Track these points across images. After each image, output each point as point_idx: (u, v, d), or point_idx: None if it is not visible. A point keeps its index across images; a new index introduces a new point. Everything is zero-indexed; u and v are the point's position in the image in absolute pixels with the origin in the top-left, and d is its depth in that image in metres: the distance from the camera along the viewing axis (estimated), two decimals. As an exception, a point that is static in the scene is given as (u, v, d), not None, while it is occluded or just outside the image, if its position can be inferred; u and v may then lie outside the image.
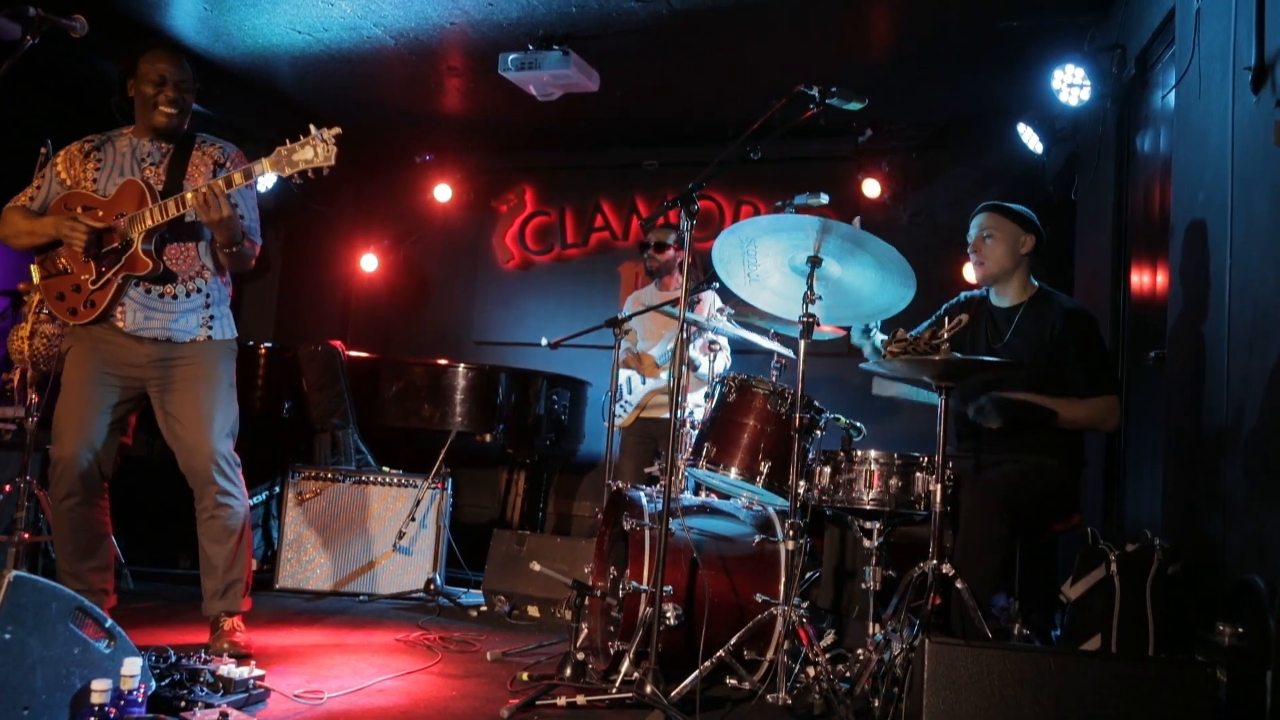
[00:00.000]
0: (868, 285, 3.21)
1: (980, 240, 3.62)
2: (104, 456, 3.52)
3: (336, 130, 3.26)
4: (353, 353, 5.93)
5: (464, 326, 7.81)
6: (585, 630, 3.56)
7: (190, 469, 3.53)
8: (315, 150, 3.25)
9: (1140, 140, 4.58)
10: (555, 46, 5.47)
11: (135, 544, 5.09)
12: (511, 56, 5.51)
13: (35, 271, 3.59)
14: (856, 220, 3.40)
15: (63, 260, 3.49)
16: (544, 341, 5.26)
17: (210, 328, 3.59)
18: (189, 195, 3.34)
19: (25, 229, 3.51)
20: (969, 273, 6.09)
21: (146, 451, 5.80)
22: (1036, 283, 3.64)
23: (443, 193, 7.64)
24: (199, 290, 3.58)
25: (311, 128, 3.26)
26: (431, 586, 5.00)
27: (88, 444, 3.46)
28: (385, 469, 5.34)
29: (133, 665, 2.33)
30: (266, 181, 5.98)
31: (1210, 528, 3.20)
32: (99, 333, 3.50)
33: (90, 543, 3.54)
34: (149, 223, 3.39)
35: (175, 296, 3.53)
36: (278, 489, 5.64)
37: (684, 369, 3.23)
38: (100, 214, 3.43)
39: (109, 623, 2.44)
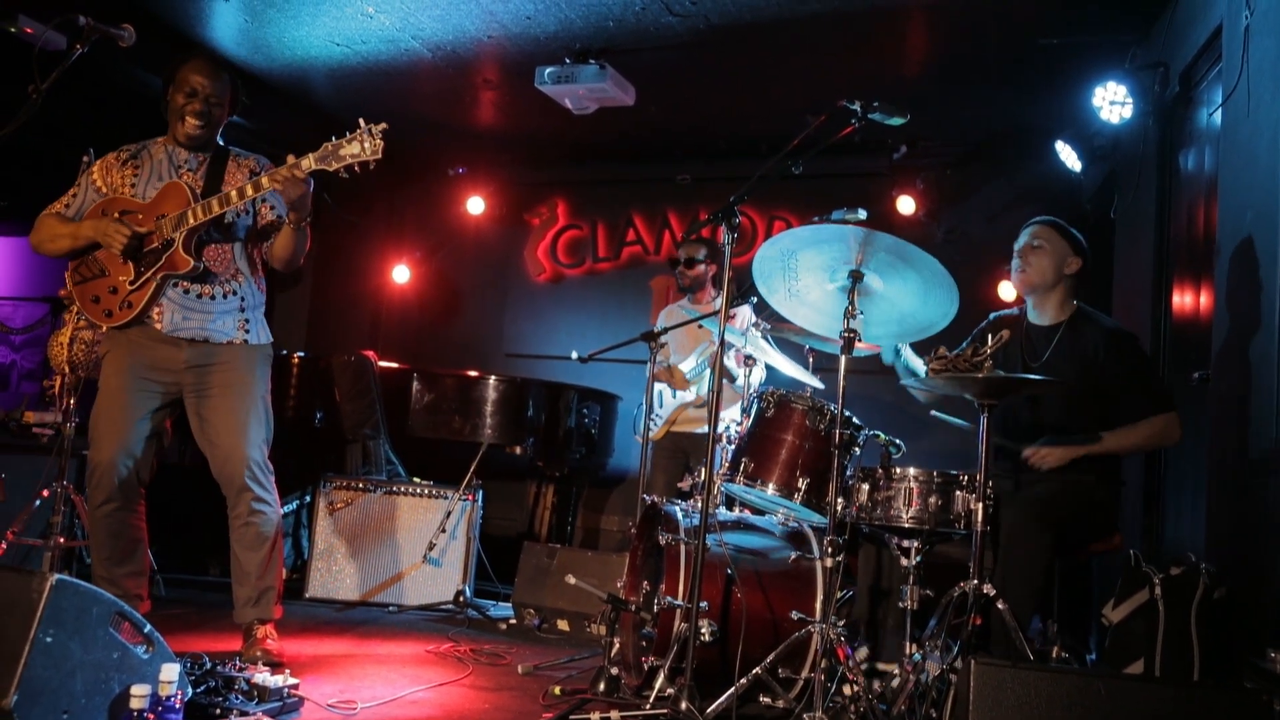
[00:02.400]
0: (911, 300, 3.18)
1: (1029, 247, 3.59)
2: (142, 463, 3.53)
3: (384, 125, 3.26)
4: (384, 364, 5.94)
5: (494, 339, 7.82)
6: (617, 644, 3.54)
7: (224, 476, 3.54)
8: (362, 144, 3.26)
9: (1183, 158, 4.52)
10: (592, 60, 5.47)
11: (166, 551, 5.11)
12: (548, 70, 5.52)
13: (69, 278, 3.60)
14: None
15: (99, 263, 3.52)
16: (575, 355, 5.25)
17: (247, 331, 3.60)
18: (234, 191, 3.36)
19: (63, 232, 3.52)
20: (1005, 291, 6.07)
21: (178, 459, 5.85)
22: (1075, 303, 3.61)
23: (475, 205, 7.65)
24: (234, 293, 3.59)
25: (361, 121, 3.26)
26: (461, 598, 4.99)
27: (125, 450, 3.47)
28: (416, 480, 5.35)
29: (170, 671, 2.32)
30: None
31: (1258, 553, 3.14)
32: (135, 336, 3.52)
33: (126, 548, 3.55)
34: (191, 221, 3.41)
35: (212, 297, 3.54)
36: (309, 498, 5.65)
37: (720, 382, 3.19)
38: (140, 217, 3.46)
39: (147, 628, 2.44)
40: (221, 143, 3.69)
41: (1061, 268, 3.56)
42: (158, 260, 3.45)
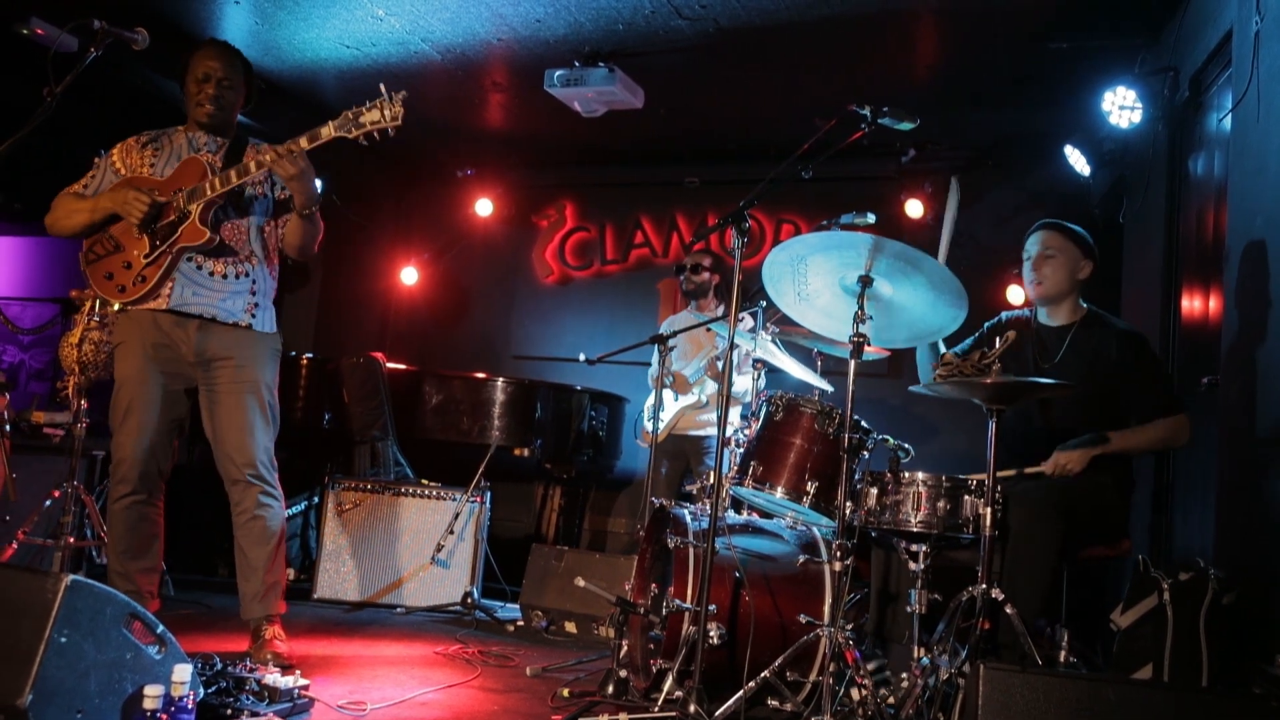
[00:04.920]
0: (920, 305, 3.18)
1: (1042, 257, 3.57)
2: (162, 453, 3.56)
3: (403, 93, 3.28)
4: (392, 365, 5.95)
5: (502, 341, 7.83)
6: (625, 647, 3.54)
7: (229, 472, 3.56)
8: (382, 112, 3.28)
9: (1193, 163, 4.52)
10: (601, 63, 5.49)
11: (175, 551, 5.11)
12: (557, 73, 5.53)
13: (82, 258, 3.59)
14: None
15: (114, 239, 3.52)
16: (582, 357, 5.27)
17: (254, 316, 3.61)
18: (252, 163, 3.38)
19: (81, 207, 3.53)
20: (1013, 294, 6.07)
21: (186, 459, 5.86)
22: (1085, 305, 3.61)
23: (484, 207, 7.66)
24: (246, 274, 3.60)
25: (382, 87, 3.28)
26: (469, 600, 5.00)
27: (146, 440, 3.51)
28: (424, 481, 5.36)
29: (183, 672, 2.33)
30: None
31: (1267, 558, 3.14)
32: (146, 320, 3.51)
33: (143, 543, 3.58)
34: (209, 193, 3.43)
35: (225, 276, 3.55)
36: (317, 499, 5.67)
37: (730, 385, 3.20)
38: (157, 192, 3.47)
39: (160, 628, 2.46)
40: (239, 134, 3.72)
41: (1075, 273, 3.56)
42: (173, 233, 3.45)
